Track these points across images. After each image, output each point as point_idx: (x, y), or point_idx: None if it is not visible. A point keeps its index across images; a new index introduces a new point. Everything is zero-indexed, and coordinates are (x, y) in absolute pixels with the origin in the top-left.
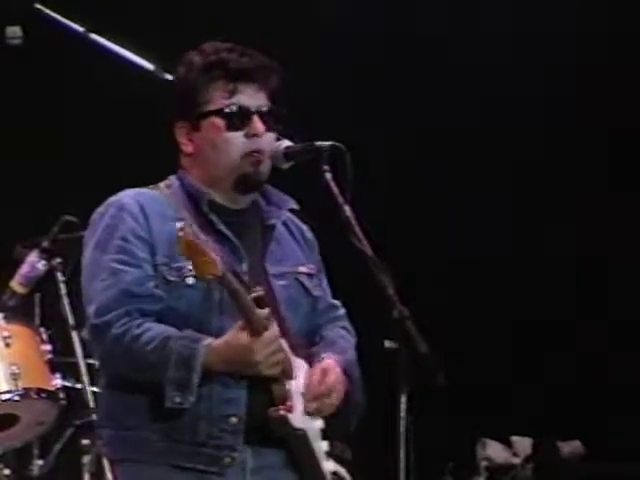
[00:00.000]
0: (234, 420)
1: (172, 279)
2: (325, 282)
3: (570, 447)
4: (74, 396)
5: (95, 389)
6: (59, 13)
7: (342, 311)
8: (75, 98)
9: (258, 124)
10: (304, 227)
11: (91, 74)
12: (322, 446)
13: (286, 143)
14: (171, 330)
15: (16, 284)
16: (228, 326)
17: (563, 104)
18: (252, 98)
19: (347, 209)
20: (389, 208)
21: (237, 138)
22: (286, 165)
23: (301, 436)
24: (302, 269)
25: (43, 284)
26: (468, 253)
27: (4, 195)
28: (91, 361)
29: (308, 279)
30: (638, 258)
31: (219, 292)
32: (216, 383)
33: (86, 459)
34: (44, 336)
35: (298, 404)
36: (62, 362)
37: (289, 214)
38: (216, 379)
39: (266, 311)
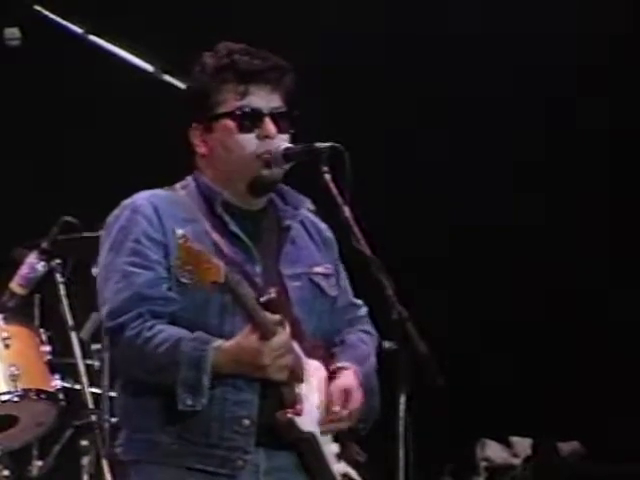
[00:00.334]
0: (246, 422)
1: (185, 281)
2: (345, 281)
3: (570, 447)
4: (73, 397)
5: (94, 390)
6: (58, 14)
7: (363, 310)
8: (74, 99)
9: (270, 126)
10: (322, 226)
11: (90, 75)
12: (332, 448)
13: (285, 144)
14: (182, 332)
15: (16, 285)
16: (239, 328)
17: (563, 104)
18: (264, 100)
19: (346, 210)
20: (389, 208)
21: (249, 140)
22: (285, 166)
23: (309, 439)
24: (318, 269)
25: (42, 285)
26: (468, 253)
27: (4, 196)
28: (90, 362)
29: (324, 279)
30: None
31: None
32: (228, 386)
33: (85, 460)
34: (43, 337)
35: (309, 407)
36: (61, 363)
37: (307, 213)
38: (228, 382)
39: (276, 317)
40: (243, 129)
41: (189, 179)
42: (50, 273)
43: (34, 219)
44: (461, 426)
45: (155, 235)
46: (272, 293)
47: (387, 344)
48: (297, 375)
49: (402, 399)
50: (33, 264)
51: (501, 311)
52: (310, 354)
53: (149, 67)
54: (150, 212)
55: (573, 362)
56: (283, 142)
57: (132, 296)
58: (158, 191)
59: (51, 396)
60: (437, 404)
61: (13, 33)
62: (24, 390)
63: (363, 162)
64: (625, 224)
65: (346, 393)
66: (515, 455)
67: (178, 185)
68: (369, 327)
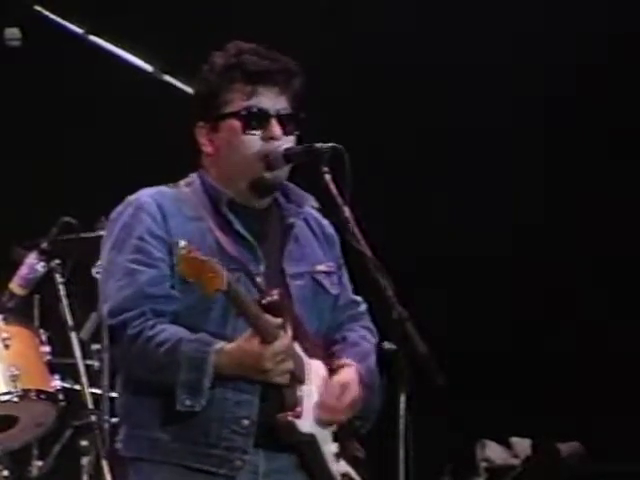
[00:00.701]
0: (246, 422)
1: (189, 280)
2: (346, 278)
3: (569, 448)
4: (73, 397)
5: (94, 390)
6: (58, 15)
7: (363, 307)
8: (74, 99)
9: (276, 127)
10: (325, 223)
11: (90, 75)
12: (332, 448)
13: (286, 145)
14: (184, 332)
15: (15, 286)
16: (242, 330)
17: (563, 104)
18: (272, 101)
19: (346, 210)
20: (388, 209)
21: (254, 140)
22: (286, 167)
23: (310, 441)
24: (320, 267)
25: (42, 285)
26: (468, 253)
27: (3, 196)
28: (90, 362)
29: (326, 277)
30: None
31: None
32: (229, 386)
33: (85, 460)
34: (43, 337)
35: (309, 408)
36: (61, 363)
37: (311, 210)
38: (229, 383)
39: (278, 320)
40: (249, 129)
41: (194, 176)
42: (50, 273)
43: (34, 219)
44: (461, 426)
45: (159, 232)
46: (274, 295)
47: (387, 344)
48: (298, 377)
49: (402, 399)
50: (33, 264)
51: (501, 310)
52: (311, 353)
53: (149, 67)
54: (154, 209)
55: (573, 362)
56: (287, 144)
57: (135, 294)
58: (162, 188)
59: (51, 396)
60: (437, 404)
61: (13, 33)
62: (24, 390)
63: (363, 162)
64: (625, 224)
65: (344, 387)
66: (515, 456)
67: (182, 182)
68: (369, 323)
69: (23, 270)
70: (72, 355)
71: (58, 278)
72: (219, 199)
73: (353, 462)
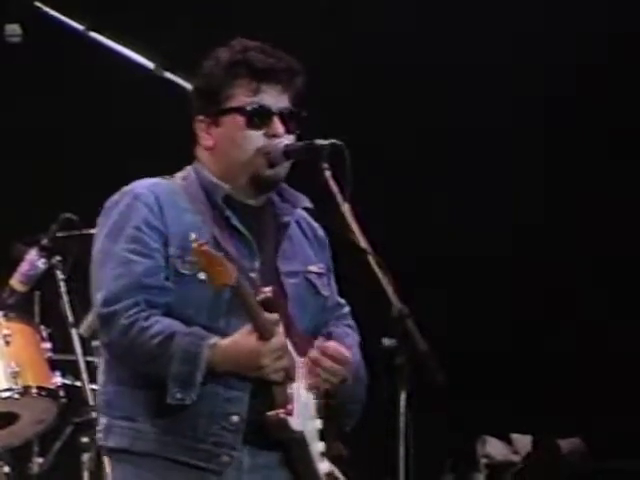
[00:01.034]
0: (235, 419)
1: (184, 272)
2: (333, 281)
3: (570, 444)
4: (74, 394)
5: (95, 387)
6: (58, 11)
7: (347, 309)
8: (75, 95)
9: (278, 125)
10: (316, 225)
11: (91, 72)
12: (318, 447)
13: (286, 141)
14: (178, 325)
15: (16, 282)
16: (235, 325)
17: (563, 104)
18: (275, 99)
19: (346, 207)
20: (388, 209)
21: (256, 137)
22: (286, 164)
23: (299, 439)
24: (312, 268)
25: (43, 282)
26: (468, 253)
27: (4, 193)
28: (90, 359)
29: (318, 278)
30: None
31: (230, 291)
32: (219, 382)
33: (86, 457)
34: (44, 334)
35: (298, 406)
36: (62, 360)
37: (302, 212)
38: (220, 379)
39: (274, 316)
40: (252, 125)
41: (189, 169)
42: (50, 270)
43: (34, 216)
44: (462, 423)
45: (155, 223)
46: (268, 292)
47: (387, 341)
48: (290, 375)
49: (402, 396)
50: (33, 261)
51: (501, 307)
52: (301, 352)
53: (150, 64)
54: (151, 200)
55: (574, 359)
56: (288, 141)
57: (130, 284)
58: (158, 180)
59: (51, 393)
60: (437, 401)
61: (14, 30)
62: (24, 387)
63: (363, 163)
64: (625, 224)
65: (335, 344)
66: (515, 452)
67: (178, 175)
68: (353, 323)
69: (24, 266)
70: (73, 352)
71: (59, 275)
72: (216, 193)
73: (337, 461)
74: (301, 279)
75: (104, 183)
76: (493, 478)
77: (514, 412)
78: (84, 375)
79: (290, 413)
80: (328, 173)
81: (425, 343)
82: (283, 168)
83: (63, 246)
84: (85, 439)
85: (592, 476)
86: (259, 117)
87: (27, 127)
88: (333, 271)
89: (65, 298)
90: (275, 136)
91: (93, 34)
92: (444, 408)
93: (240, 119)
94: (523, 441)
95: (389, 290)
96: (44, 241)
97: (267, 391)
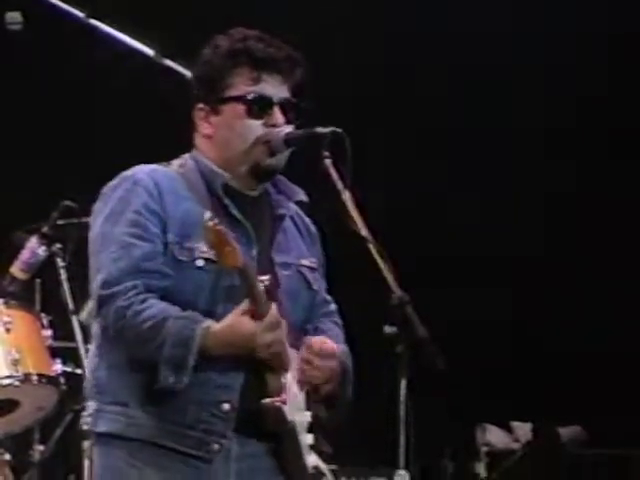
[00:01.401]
0: (226, 407)
1: (182, 259)
2: (323, 277)
3: (570, 432)
4: (74, 381)
5: None
6: None
7: (333, 307)
8: (75, 83)
9: (278, 115)
10: (308, 220)
11: (91, 59)
12: (307, 439)
13: (286, 129)
14: (173, 309)
15: (17, 270)
16: (232, 309)
17: (563, 105)
18: (275, 89)
19: (347, 194)
20: (388, 209)
21: (256, 126)
22: (286, 152)
23: (291, 429)
24: (305, 262)
25: (43, 270)
26: (468, 245)
27: (3, 181)
28: (91, 346)
29: (310, 272)
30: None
31: (228, 279)
32: (211, 369)
33: (86, 444)
34: (44, 321)
35: (290, 396)
36: (62, 347)
37: (294, 206)
38: (212, 365)
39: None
40: (252, 115)
41: (186, 157)
42: (51, 257)
43: (34, 203)
44: (462, 411)
45: (155, 207)
46: (265, 281)
47: (387, 328)
48: (284, 364)
49: (403, 383)
50: (34, 249)
51: (501, 295)
52: (291, 344)
53: (149, 51)
54: (151, 186)
55: (574, 347)
56: (288, 129)
57: (130, 267)
58: (156, 166)
59: (52, 380)
60: (438, 389)
61: (14, 17)
62: (25, 374)
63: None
64: (625, 224)
65: (322, 341)
66: (516, 440)
67: (175, 162)
68: (339, 320)
69: (24, 254)
70: (73, 339)
71: (59, 262)
72: (215, 182)
73: (320, 456)
74: (294, 272)
75: (105, 171)
76: (493, 466)
77: (514, 400)
78: (85, 362)
79: (284, 402)
80: (328, 161)
81: (425, 330)
82: (283, 157)
83: (63, 233)
84: (86, 426)
85: (592, 464)
86: (259, 106)
87: (27, 114)
88: (325, 267)
89: (65, 285)
90: (274, 126)
91: (93, 21)
92: (444, 396)
93: (240, 108)
94: (523, 429)
95: (389, 278)
96: (44, 229)
97: (260, 380)
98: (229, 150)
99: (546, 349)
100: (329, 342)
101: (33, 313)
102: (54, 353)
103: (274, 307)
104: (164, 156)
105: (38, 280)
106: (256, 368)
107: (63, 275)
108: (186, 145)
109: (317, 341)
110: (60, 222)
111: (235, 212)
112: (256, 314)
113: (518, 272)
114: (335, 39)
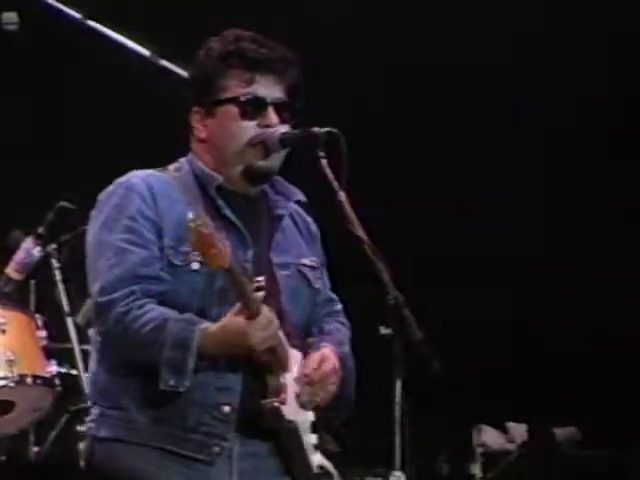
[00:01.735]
0: (227, 409)
1: (177, 263)
2: (326, 275)
3: (566, 433)
4: (69, 382)
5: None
6: None
7: (339, 306)
8: (72, 84)
9: (272, 115)
10: (309, 219)
11: (88, 60)
12: (311, 439)
13: (282, 129)
14: (171, 312)
15: (11, 270)
16: (227, 313)
17: (563, 105)
18: (269, 89)
19: (342, 194)
20: (388, 209)
21: (250, 127)
22: (282, 152)
23: (292, 428)
24: (305, 261)
25: (38, 270)
26: (468, 244)
27: (0, 181)
28: (86, 347)
29: (310, 271)
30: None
31: (221, 280)
32: (211, 372)
33: (82, 445)
34: (39, 322)
35: (291, 396)
36: (57, 348)
37: (295, 206)
38: (211, 368)
39: (261, 294)
40: (246, 116)
41: (182, 161)
42: (46, 258)
43: (30, 204)
44: (457, 412)
45: (150, 214)
46: (260, 282)
47: (383, 329)
48: (282, 364)
49: (398, 385)
50: (29, 249)
51: (499, 296)
52: (292, 343)
53: (146, 52)
54: (145, 192)
55: (569, 347)
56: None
57: (126, 274)
58: (151, 171)
59: (47, 381)
60: (433, 390)
61: (11, 17)
62: (20, 375)
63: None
64: (625, 224)
65: (321, 359)
66: (511, 441)
67: (171, 167)
68: (345, 320)
69: (19, 255)
70: (68, 340)
71: (54, 263)
72: (208, 184)
73: (325, 455)
74: (293, 271)
75: (102, 172)
76: (489, 467)
77: (510, 401)
78: (80, 363)
79: (283, 402)
80: (324, 161)
81: (421, 332)
82: (277, 159)
83: (59, 235)
84: (81, 427)
85: (587, 464)
86: (253, 108)
87: (25, 115)
88: (326, 266)
89: (61, 286)
90: (269, 126)
91: (90, 22)
92: (440, 397)
93: (234, 110)
94: (519, 430)
95: (385, 278)
96: (40, 230)
97: (259, 380)
98: (223, 152)
99: (545, 349)
100: (328, 359)
101: (28, 314)
102: (49, 354)
103: (265, 307)
104: (163, 157)
105: (33, 281)
106: (255, 369)
107: (58, 276)
108: (185, 146)
109: (315, 359)
110: (56, 223)
111: (229, 214)
112: (248, 314)
113: (518, 272)
114: (335, 39)
